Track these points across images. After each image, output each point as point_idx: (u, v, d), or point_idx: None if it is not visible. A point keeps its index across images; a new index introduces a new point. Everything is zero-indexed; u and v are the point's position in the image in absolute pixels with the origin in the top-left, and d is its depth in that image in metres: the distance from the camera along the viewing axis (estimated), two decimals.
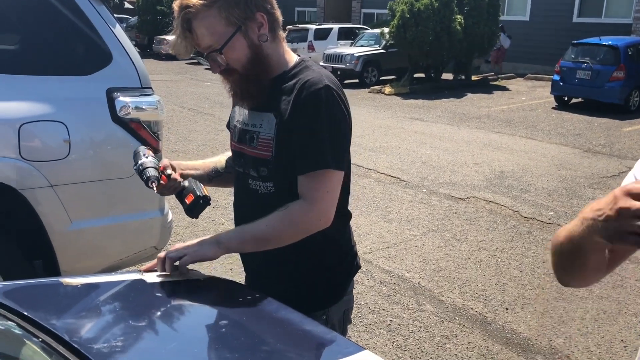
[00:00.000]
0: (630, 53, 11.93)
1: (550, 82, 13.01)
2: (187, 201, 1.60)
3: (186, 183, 1.65)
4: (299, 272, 1.55)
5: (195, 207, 1.61)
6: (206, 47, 1.48)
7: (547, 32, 18.13)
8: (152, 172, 1.56)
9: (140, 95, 2.85)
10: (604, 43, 12.16)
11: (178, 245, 1.48)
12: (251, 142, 1.57)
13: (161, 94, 3.02)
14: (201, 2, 1.43)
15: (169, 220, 3.09)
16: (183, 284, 1.39)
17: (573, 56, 12.47)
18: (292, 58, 1.59)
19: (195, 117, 10.61)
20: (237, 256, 1.78)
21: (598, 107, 11.99)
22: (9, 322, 1.17)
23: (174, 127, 9.58)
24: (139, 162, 1.60)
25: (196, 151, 7.90)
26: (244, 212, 1.66)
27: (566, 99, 12.83)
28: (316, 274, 1.61)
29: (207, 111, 11.18)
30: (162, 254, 1.44)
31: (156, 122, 2.90)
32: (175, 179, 1.63)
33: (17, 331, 1.14)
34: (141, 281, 1.40)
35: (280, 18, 1.55)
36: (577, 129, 10.17)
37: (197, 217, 1.66)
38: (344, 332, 1.71)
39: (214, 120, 10.17)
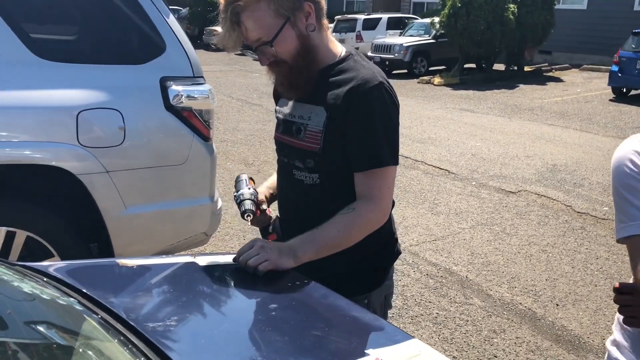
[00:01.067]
0: None
1: (608, 73, 12.50)
2: (270, 240, 1.67)
3: (274, 220, 1.74)
4: (343, 257, 1.55)
5: None
6: (255, 40, 1.48)
7: (606, 20, 17.40)
8: (248, 205, 1.62)
9: (192, 85, 2.90)
10: None
11: (258, 243, 1.42)
12: (298, 134, 1.58)
13: (211, 85, 3.07)
14: None
15: (218, 207, 3.15)
16: (233, 268, 1.42)
17: (634, 46, 11.94)
18: (338, 49, 1.60)
19: (244, 108, 10.74)
20: None
21: None
22: (71, 299, 1.22)
23: (223, 117, 9.72)
24: (240, 191, 1.67)
25: (244, 141, 8.00)
26: (288, 202, 1.69)
27: (624, 90, 12.31)
28: (359, 259, 1.61)
29: (255, 102, 11.30)
30: (243, 258, 1.39)
31: (207, 111, 2.95)
32: (267, 214, 1.71)
33: (78, 307, 1.19)
34: (193, 264, 1.43)
35: (325, 6, 1.55)
36: (636, 122, 9.75)
37: None
38: (384, 316, 1.73)
39: (262, 110, 10.28)
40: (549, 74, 16.00)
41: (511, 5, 14.32)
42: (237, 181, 1.72)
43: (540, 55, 18.59)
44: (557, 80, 15.03)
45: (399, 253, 1.76)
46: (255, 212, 1.63)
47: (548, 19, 14.99)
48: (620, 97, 12.19)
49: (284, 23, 1.46)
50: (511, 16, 14.23)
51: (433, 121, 9.62)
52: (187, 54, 2.92)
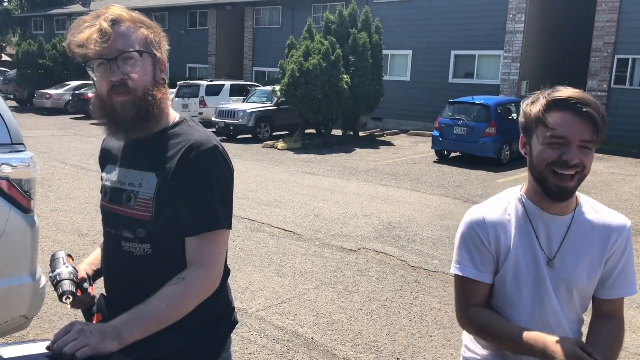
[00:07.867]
0: (499, 111, 13.09)
1: (431, 138, 13.87)
2: (94, 321, 1.55)
3: (98, 299, 1.62)
4: (177, 333, 1.47)
5: None
6: (119, 50, 1.43)
7: (426, 91, 19.49)
8: (67, 286, 1.51)
9: (10, 152, 2.66)
10: (477, 102, 13.25)
11: (76, 327, 1.29)
12: (128, 202, 1.51)
13: (41, 150, 2.86)
14: (130, 17, 1.47)
15: (41, 285, 2.86)
16: (47, 359, 1.26)
17: (450, 113, 13.43)
18: (172, 114, 1.59)
19: (79, 174, 10.07)
20: None
21: (474, 160, 12.94)
22: None
23: (54, 184, 9.01)
24: (57, 270, 1.55)
25: (78, 210, 7.45)
26: (116, 276, 1.59)
27: (445, 153, 13.73)
28: (194, 332, 1.55)
29: (91, 167, 10.66)
30: (57, 346, 1.25)
31: (28, 180, 2.71)
32: (89, 294, 1.59)
33: None
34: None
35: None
36: (456, 181, 10.86)
37: None
38: None
39: (99, 176, 9.69)
40: (381, 139, 17.34)
41: (345, 76, 15.44)
42: (53, 260, 1.59)
43: (372, 122, 20.15)
44: (389, 144, 16.32)
45: (236, 323, 1.72)
46: (75, 292, 1.50)
47: (377, 89, 16.38)
48: (442, 159, 13.55)
49: (150, 54, 1.49)
50: (345, 86, 15.32)
51: (278, 184, 9.83)
52: (3, 119, 2.68)
